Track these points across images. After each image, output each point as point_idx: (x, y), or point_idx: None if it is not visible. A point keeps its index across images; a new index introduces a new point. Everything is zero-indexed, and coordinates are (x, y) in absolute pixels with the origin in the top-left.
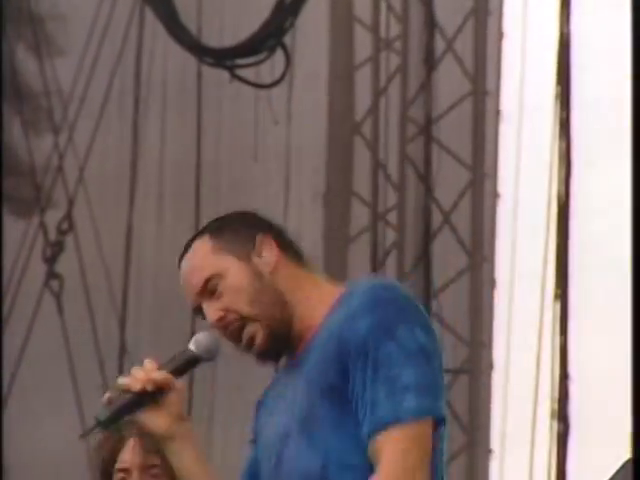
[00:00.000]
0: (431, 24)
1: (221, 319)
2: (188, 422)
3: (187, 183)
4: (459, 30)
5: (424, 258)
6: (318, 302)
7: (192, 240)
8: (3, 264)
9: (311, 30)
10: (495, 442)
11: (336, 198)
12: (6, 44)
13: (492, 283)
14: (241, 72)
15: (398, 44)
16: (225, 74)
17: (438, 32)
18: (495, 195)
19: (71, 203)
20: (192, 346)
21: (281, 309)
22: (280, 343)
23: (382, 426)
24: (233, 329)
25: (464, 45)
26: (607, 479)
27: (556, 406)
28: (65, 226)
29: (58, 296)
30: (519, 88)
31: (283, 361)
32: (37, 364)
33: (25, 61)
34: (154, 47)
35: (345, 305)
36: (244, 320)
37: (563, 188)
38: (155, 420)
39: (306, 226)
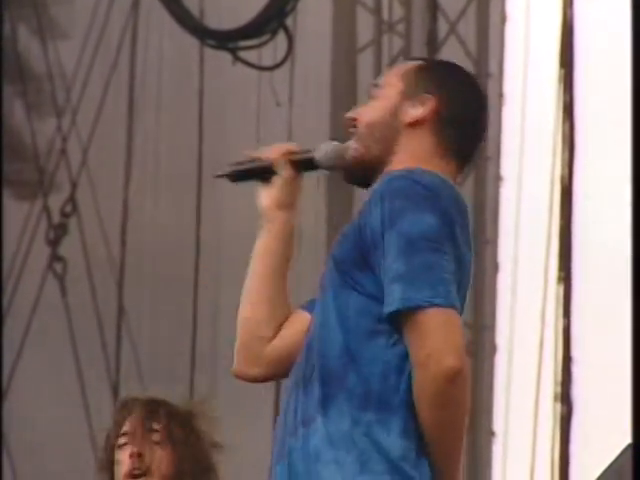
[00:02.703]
0: (434, 7)
1: (349, 119)
2: (286, 213)
3: (188, 165)
4: (462, 13)
5: None
6: None
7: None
8: (6, 247)
9: (313, 12)
10: (498, 425)
11: (340, 181)
12: (9, 27)
13: (495, 266)
14: (243, 54)
15: (401, 27)
16: (226, 56)
17: (441, 15)
18: (498, 178)
19: (74, 186)
20: (317, 152)
21: (380, 150)
22: (363, 173)
23: (387, 312)
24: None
25: (467, 28)
26: (608, 464)
27: (559, 389)
28: (68, 209)
29: (62, 279)
30: (522, 71)
31: None
32: (40, 346)
33: (28, 44)
34: (156, 30)
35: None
36: (356, 129)
37: (566, 171)
38: (261, 194)
39: (308, 210)
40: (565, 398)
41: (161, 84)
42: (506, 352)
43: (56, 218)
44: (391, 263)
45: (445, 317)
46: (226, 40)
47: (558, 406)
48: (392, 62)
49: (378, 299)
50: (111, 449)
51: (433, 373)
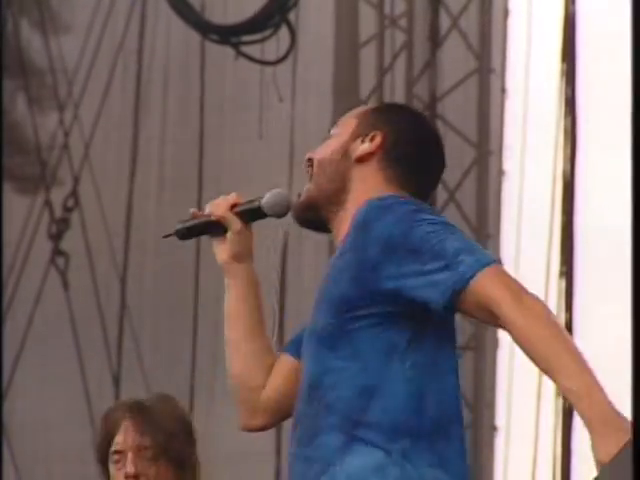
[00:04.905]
0: (436, 1)
1: (308, 159)
2: (244, 263)
3: (190, 160)
4: (464, 7)
5: None
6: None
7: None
8: (9, 241)
9: (316, 7)
10: (500, 419)
11: None
12: (11, 21)
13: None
14: (246, 49)
15: (403, 21)
16: (228, 50)
17: (443, 9)
18: (500, 172)
19: (76, 180)
20: (263, 199)
21: (335, 189)
22: (314, 214)
23: (453, 291)
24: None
25: (469, 22)
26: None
27: None
28: (71, 203)
29: (64, 273)
30: (524, 66)
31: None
32: (42, 340)
33: (30, 38)
34: (158, 24)
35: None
36: (311, 170)
37: (568, 166)
38: (217, 250)
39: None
40: None
41: (166, 78)
42: (508, 347)
43: (58, 212)
44: (438, 246)
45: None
46: (229, 35)
47: (560, 401)
48: (395, 57)
49: (394, 316)
50: (104, 458)
51: (532, 302)
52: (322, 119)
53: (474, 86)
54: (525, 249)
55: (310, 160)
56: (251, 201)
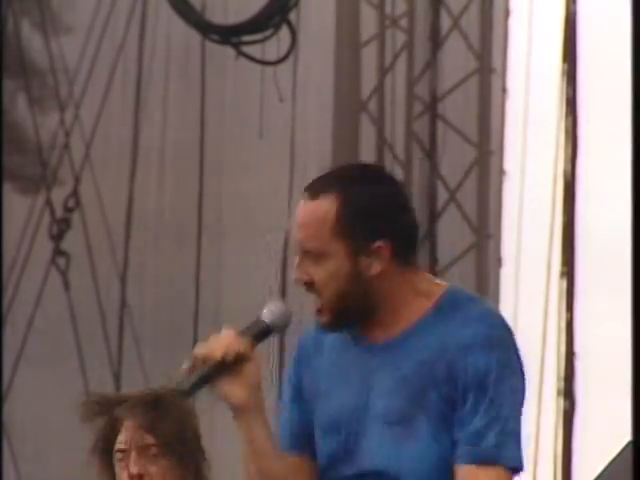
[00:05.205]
0: (437, 1)
1: (302, 283)
2: (261, 392)
3: (191, 160)
4: (465, 8)
5: (429, 235)
6: (412, 301)
7: (320, 184)
8: (9, 241)
9: (317, 7)
10: None
11: None
12: (12, 21)
13: (498, 261)
14: (247, 49)
15: (404, 21)
16: (229, 50)
17: (444, 9)
18: (501, 172)
19: (77, 180)
20: (265, 317)
21: (361, 305)
22: (346, 323)
23: (481, 461)
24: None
25: (470, 23)
26: (610, 460)
27: (562, 384)
28: (71, 203)
29: (64, 273)
30: (525, 66)
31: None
32: (43, 340)
33: (31, 38)
34: (158, 24)
35: (452, 319)
36: (318, 294)
37: (569, 166)
38: (233, 390)
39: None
40: (568, 393)
41: (166, 79)
42: None
43: (59, 213)
44: (505, 414)
45: None
46: (229, 35)
47: (561, 401)
48: (395, 57)
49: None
50: (107, 452)
51: None
52: (322, 119)
53: (475, 86)
54: (526, 249)
55: (309, 283)
56: (255, 325)
